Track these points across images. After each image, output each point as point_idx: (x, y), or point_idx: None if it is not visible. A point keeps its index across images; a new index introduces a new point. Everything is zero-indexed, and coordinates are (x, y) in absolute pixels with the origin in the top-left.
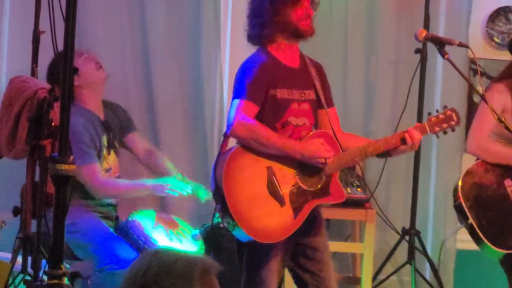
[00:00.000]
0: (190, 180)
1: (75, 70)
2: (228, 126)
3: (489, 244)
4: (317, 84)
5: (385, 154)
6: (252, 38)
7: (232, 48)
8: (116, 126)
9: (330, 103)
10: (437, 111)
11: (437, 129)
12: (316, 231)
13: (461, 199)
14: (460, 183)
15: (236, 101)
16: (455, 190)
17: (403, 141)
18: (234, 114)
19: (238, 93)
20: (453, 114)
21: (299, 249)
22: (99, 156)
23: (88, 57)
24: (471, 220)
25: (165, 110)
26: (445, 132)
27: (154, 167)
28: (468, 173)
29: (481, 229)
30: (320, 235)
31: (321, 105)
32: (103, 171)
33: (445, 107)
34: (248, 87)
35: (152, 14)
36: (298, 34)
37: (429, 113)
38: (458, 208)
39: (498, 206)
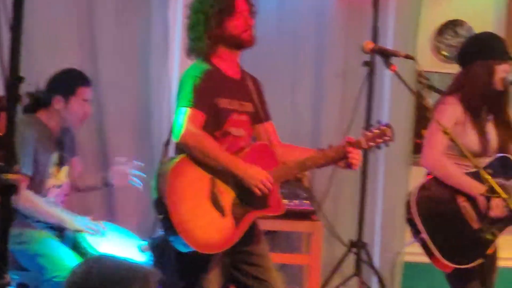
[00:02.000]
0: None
1: (63, 90)
2: (177, 134)
3: (441, 258)
4: (255, 97)
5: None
6: (194, 51)
7: (181, 61)
8: (69, 147)
9: (267, 117)
10: (372, 126)
11: (371, 144)
12: (256, 239)
13: (414, 213)
14: (413, 197)
15: (184, 109)
16: (408, 203)
17: (344, 155)
18: (182, 122)
19: (184, 100)
20: (387, 130)
21: (241, 257)
22: (45, 169)
23: (86, 100)
24: (423, 234)
25: (114, 122)
26: (379, 147)
27: (82, 190)
28: (422, 187)
29: (434, 243)
30: (260, 243)
31: (259, 119)
32: (52, 186)
33: (379, 122)
34: (194, 95)
35: (101, 26)
36: (239, 45)
37: (365, 128)
38: (411, 222)
39: (451, 220)
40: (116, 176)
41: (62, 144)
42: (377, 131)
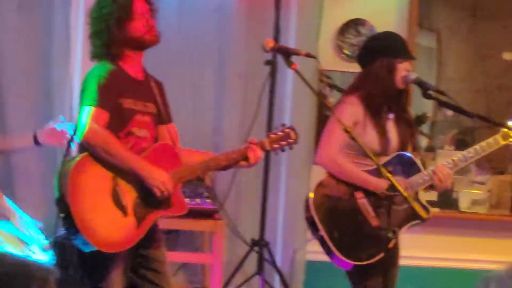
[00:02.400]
0: None
1: None
2: (80, 133)
3: (339, 255)
4: (158, 99)
5: (225, 168)
6: (99, 56)
7: (83, 63)
8: None
9: (170, 119)
10: (276, 128)
11: (275, 146)
12: (155, 245)
13: (312, 211)
14: (311, 195)
15: (87, 107)
16: (306, 202)
17: (245, 157)
18: (86, 121)
19: (88, 99)
20: (291, 132)
21: (140, 260)
22: None
23: None
24: (322, 232)
25: (18, 123)
26: (282, 150)
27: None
28: (320, 184)
29: (332, 241)
30: (159, 248)
31: (162, 120)
32: None
33: (283, 125)
34: (99, 94)
35: (3, 27)
36: (143, 46)
37: (268, 130)
38: (309, 220)
39: (349, 218)
40: (49, 136)
41: None
42: (281, 133)
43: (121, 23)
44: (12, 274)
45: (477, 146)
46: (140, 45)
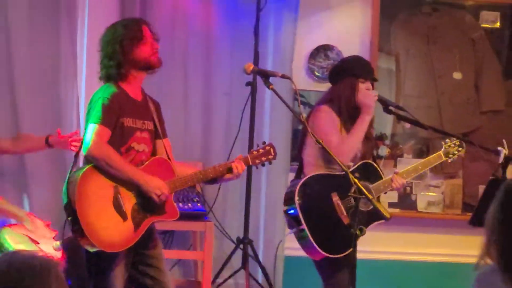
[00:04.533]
0: None
1: None
2: (85, 147)
3: (317, 247)
4: (155, 117)
5: (213, 181)
6: (109, 77)
7: (88, 80)
8: None
9: (165, 134)
10: (258, 145)
11: (257, 161)
12: (153, 244)
13: (296, 207)
14: (296, 191)
15: (92, 125)
16: (292, 197)
17: (230, 170)
18: (91, 137)
19: (94, 118)
20: (271, 149)
21: (140, 258)
22: None
23: None
24: (303, 226)
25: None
26: (263, 164)
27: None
28: (303, 183)
29: (311, 233)
30: (156, 247)
31: (158, 135)
32: None
33: (264, 142)
34: (103, 113)
35: (17, 51)
36: (149, 67)
37: (250, 144)
38: (291, 213)
39: (326, 215)
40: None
41: None
42: (262, 150)
43: (132, 45)
44: (26, 268)
45: (425, 160)
46: (147, 66)
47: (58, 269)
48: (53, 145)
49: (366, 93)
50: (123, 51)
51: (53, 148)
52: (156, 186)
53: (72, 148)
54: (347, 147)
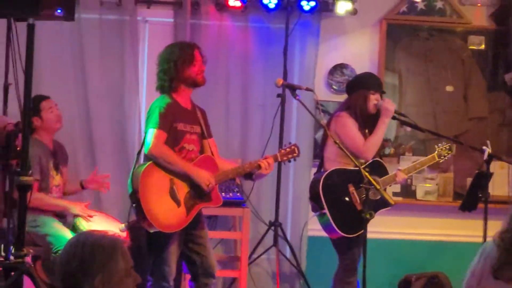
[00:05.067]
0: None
1: (35, 112)
2: (146, 148)
3: (336, 228)
4: (202, 122)
5: (249, 176)
6: (163, 88)
7: (147, 93)
8: (61, 158)
9: (210, 135)
10: (285, 145)
11: (284, 158)
12: (200, 226)
13: (321, 195)
14: (321, 181)
15: (152, 129)
16: (316, 186)
17: (259, 167)
18: (151, 139)
19: (152, 123)
20: (295, 148)
21: (189, 238)
22: (48, 174)
23: (53, 111)
24: (325, 210)
25: (101, 139)
26: (289, 161)
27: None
28: (326, 176)
29: (332, 216)
30: (203, 228)
31: (205, 137)
32: (53, 186)
33: (290, 143)
34: (160, 119)
35: (90, 70)
36: (195, 84)
37: (279, 147)
38: (316, 200)
39: (344, 202)
40: (91, 183)
41: (56, 154)
42: (288, 149)
43: (184, 65)
44: (97, 246)
45: (422, 160)
46: (193, 84)
47: (124, 247)
48: (85, 187)
49: (388, 101)
50: (176, 69)
51: (86, 189)
52: (205, 177)
53: (103, 189)
54: (371, 145)
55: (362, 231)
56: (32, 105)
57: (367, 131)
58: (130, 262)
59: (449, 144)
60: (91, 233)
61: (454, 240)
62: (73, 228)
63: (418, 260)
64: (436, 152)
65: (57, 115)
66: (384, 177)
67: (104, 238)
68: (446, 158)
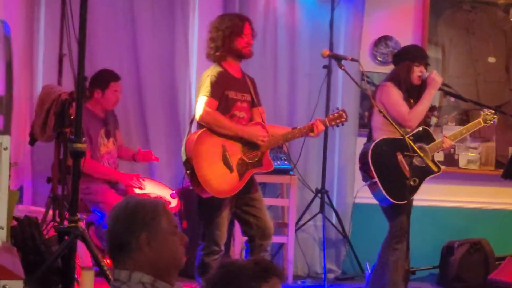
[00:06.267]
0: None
1: (101, 84)
2: (198, 115)
3: (386, 195)
4: (252, 90)
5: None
6: (211, 56)
7: (198, 63)
8: (112, 123)
9: (259, 103)
10: (333, 110)
11: (333, 123)
12: (254, 189)
13: (370, 164)
14: (370, 152)
15: (203, 97)
16: (366, 156)
17: (311, 129)
18: (202, 106)
19: (204, 91)
20: (343, 114)
21: (243, 200)
22: (96, 142)
23: (117, 94)
24: (375, 179)
25: (152, 108)
26: (337, 125)
27: (122, 156)
28: (375, 145)
29: (382, 184)
30: (256, 191)
31: (254, 105)
32: (105, 153)
33: (337, 108)
34: (211, 87)
35: (141, 40)
36: (241, 56)
37: (327, 112)
38: (365, 169)
39: (393, 170)
40: (141, 156)
41: (107, 122)
42: (336, 114)
43: (231, 36)
44: (140, 205)
45: (468, 126)
46: (239, 56)
47: (165, 206)
48: (137, 160)
49: (436, 73)
50: (223, 39)
51: (137, 162)
52: (258, 134)
53: (154, 158)
54: (416, 114)
55: (412, 198)
56: (103, 78)
57: (412, 101)
58: (173, 221)
59: (494, 109)
60: (133, 196)
61: (496, 208)
62: (125, 195)
63: (461, 227)
64: (481, 117)
65: (118, 99)
66: (430, 144)
67: (146, 199)
68: (491, 123)
